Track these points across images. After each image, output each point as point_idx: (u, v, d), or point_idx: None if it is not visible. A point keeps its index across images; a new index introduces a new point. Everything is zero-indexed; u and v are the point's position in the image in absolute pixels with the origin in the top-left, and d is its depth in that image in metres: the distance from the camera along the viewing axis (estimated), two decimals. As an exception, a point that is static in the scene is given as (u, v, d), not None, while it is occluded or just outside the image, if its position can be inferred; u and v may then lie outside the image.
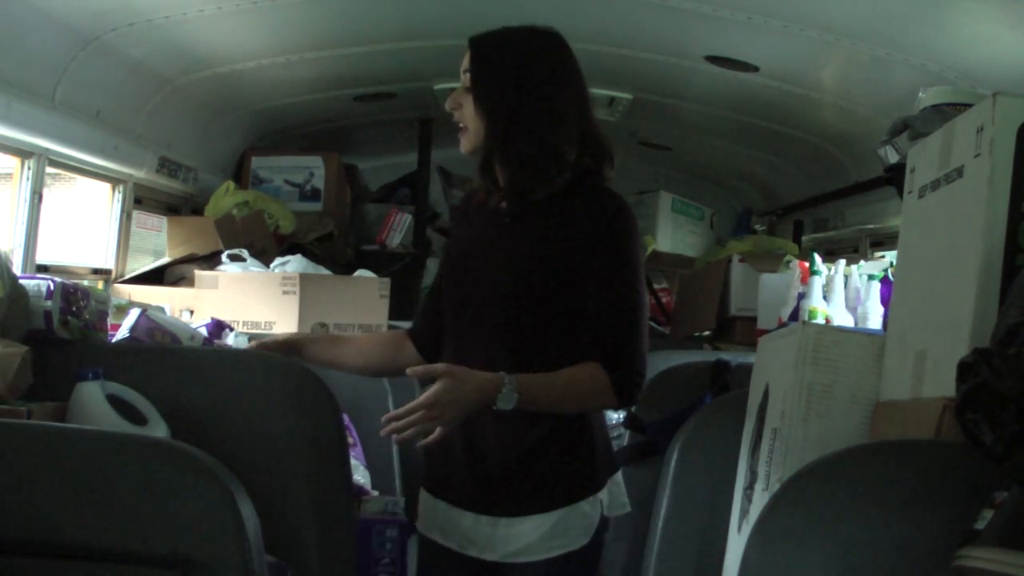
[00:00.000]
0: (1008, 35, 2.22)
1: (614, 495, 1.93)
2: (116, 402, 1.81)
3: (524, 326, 1.85)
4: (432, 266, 4.31)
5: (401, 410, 1.73)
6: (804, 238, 4.52)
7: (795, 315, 3.32)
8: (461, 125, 1.89)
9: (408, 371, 1.78)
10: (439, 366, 1.76)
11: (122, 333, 2.11)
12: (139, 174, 3.33)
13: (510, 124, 1.85)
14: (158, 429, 1.82)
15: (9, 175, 2.74)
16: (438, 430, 1.74)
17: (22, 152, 2.68)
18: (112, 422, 1.75)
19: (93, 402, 1.78)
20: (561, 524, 1.85)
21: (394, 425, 1.72)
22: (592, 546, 1.88)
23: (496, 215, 1.93)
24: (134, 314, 2.11)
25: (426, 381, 1.76)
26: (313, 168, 4.22)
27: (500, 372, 1.76)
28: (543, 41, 1.91)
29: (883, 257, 3.72)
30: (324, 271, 3.49)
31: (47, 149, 2.72)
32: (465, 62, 1.88)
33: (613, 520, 1.94)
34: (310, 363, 2.08)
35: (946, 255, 1.40)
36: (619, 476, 1.97)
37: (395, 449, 2.76)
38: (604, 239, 1.84)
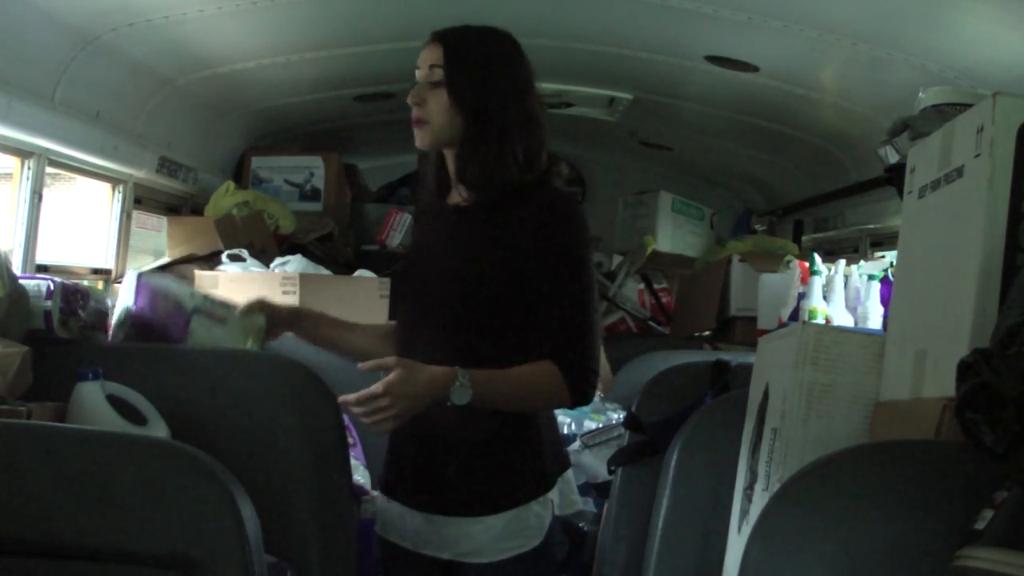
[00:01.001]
0: (1008, 35, 2.22)
1: (564, 494, 1.94)
2: (116, 402, 1.81)
3: (472, 326, 1.86)
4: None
5: (351, 396, 1.72)
6: (804, 238, 4.52)
7: (795, 315, 3.33)
8: (422, 120, 1.89)
9: (359, 366, 1.77)
10: (390, 359, 1.75)
11: (120, 306, 2.10)
12: (139, 174, 3.33)
13: (487, 120, 1.87)
14: (158, 429, 1.82)
15: (9, 175, 2.74)
16: (390, 422, 1.73)
17: (22, 152, 2.68)
18: (112, 422, 1.75)
19: (93, 402, 1.78)
20: (512, 525, 1.86)
21: (354, 412, 1.73)
22: (544, 546, 1.89)
23: (446, 213, 1.96)
24: (130, 278, 2.09)
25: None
26: (313, 168, 4.22)
27: (454, 366, 1.76)
28: (510, 43, 1.93)
29: (883, 257, 3.72)
30: (324, 271, 3.49)
31: (47, 149, 2.72)
32: (432, 56, 1.88)
33: (611, 520, 1.94)
34: (305, 339, 2.11)
35: (946, 255, 1.40)
36: (570, 474, 1.98)
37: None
38: (553, 239, 1.85)
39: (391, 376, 1.72)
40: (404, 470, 1.94)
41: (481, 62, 1.88)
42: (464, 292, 1.87)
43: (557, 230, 1.86)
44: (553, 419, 2.01)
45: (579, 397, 1.85)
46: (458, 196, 1.93)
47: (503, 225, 1.87)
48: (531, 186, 1.88)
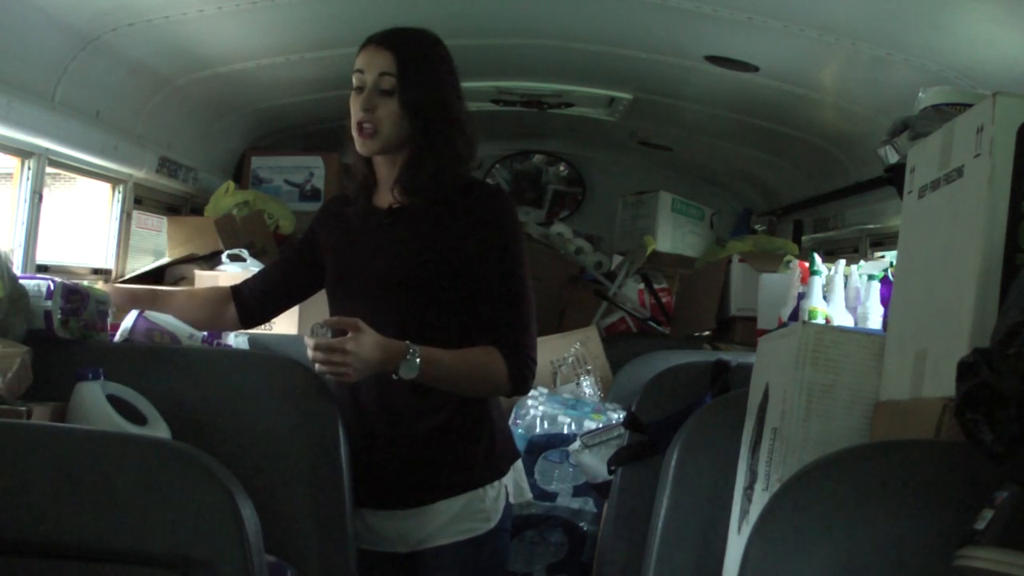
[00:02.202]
0: (1008, 35, 2.22)
1: (516, 482, 2.02)
2: (116, 402, 1.81)
3: (415, 323, 1.91)
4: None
5: (311, 340, 1.76)
6: (804, 238, 4.51)
7: (795, 315, 3.32)
8: (368, 127, 1.90)
9: (323, 320, 1.80)
10: (353, 320, 1.79)
11: (120, 336, 2.11)
12: (139, 174, 3.33)
13: (436, 126, 1.91)
14: (158, 429, 1.82)
15: (9, 175, 2.74)
16: (342, 377, 1.78)
17: (22, 152, 2.68)
18: (112, 422, 1.75)
19: (93, 402, 1.78)
20: (466, 509, 1.93)
21: (315, 356, 1.77)
22: (498, 531, 1.96)
23: (375, 214, 1.99)
24: (132, 315, 2.11)
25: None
26: (313, 168, 4.22)
27: (404, 341, 1.82)
28: (443, 45, 1.97)
29: (883, 257, 3.72)
30: (324, 271, 3.48)
31: (47, 149, 2.72)
32: (381, 63, 1.90)
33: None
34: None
35: (946, 255, 1.40)
36: (520, 464, 2.06)
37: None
38: (493, 233, 1.92)
39: (350, 335, 1.76)
40: (359, 470, 1.96)
41: (429, 68, 1.92)
42: (407, 290, 1.92)
43: (496, 225, 1.92)
44: (503, 412, 2.09)
45: (519, 384, 1.92)
46: (389, 197, 1.97)
47: (443, 223, 1.92)
48: (464, 183, 1.95)
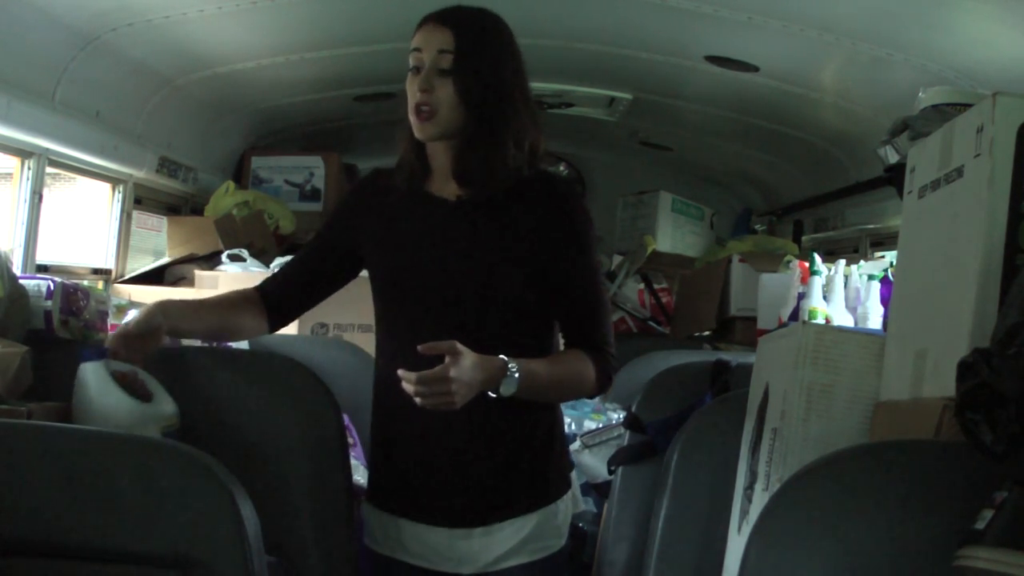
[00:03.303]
0: (1008, 35, 2.22)
1: (574, 492, 1.92)
2: (121, 379, 1.77)
3: (492, 324, 1.78)
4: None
5: (412, 375, 1.61)
6: (804, 238, 4.52)
7: (795, 315, 3.32)
8: (426, 109, 1.74)
9: (420, 347, 1.64)
10: (447, 344, 1.63)
11: None
12: (139, 174, 3.33)
13: (493, 112, 1.77)
14: (165, 403, 1.79)
15: (9, 175, 2.74)
16: (445, 407, 1.63)
17: (22, 152, 2.68)
18: (118, 398, 1.72)
19: (98, 380, 1.74)
20: (541, 526, 1.81)
21: (417, 389, 1.61)
22: (566, 547, 1.86)
23: (436, 206, 1.83)
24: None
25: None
26: (313, 168, 4.22)
27: (500, 356, 1.69)
28: (508, 28, 1.82)
29: (883, 257, 3.72)
30: (324, 271, 3.48)
31: (47, 149, 2.72)
32: (440, 40, 1.75)
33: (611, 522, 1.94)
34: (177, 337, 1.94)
35: (946, 255, 1.40)
36: (575, 472, 1.96)
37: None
38: (568, 229, 1.80)
39: (453, 361, 1.61)
40: (415, 485, 1.82)
41: (489, 47, 1.78)
42: (484, 289, 1.77)
43: (575, 220, 1.81)
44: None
45: (604, 383, 1.82)
46: (448, 188, 1.82)
47: (517, 216, 1.79)
48: (532, 176, 1.81)
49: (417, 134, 1.79)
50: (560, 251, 1.79)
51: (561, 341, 1.88)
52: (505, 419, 1.78)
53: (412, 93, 1.76)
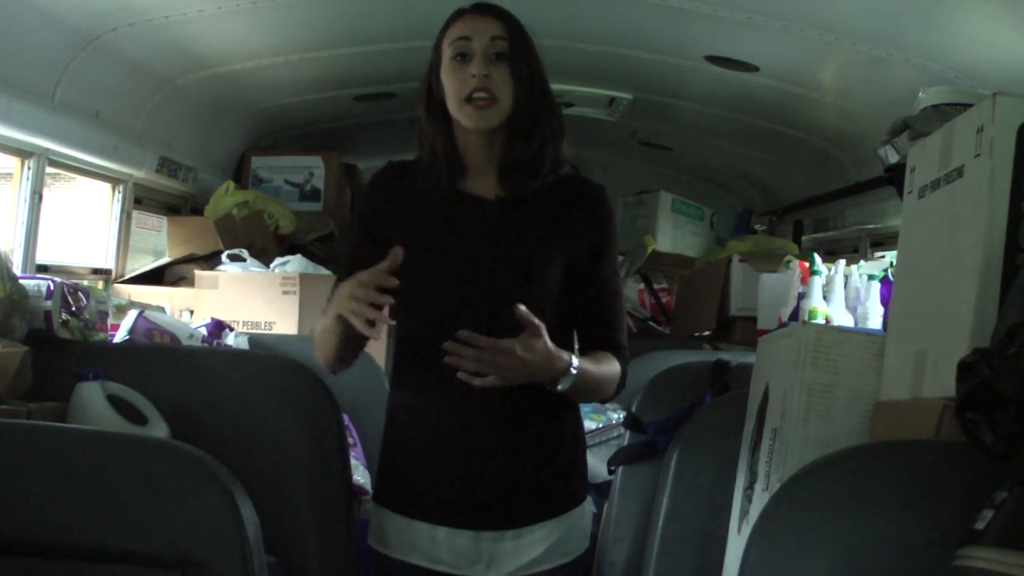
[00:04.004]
0: (1008, 35, 2.22)
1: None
2: (116, 402, 1.81)
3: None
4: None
5: (471, 335, 1.58)
6: (804, 238, 4.52)
7: (795, 315, 3.32)
8: (486, 96, 1.69)
9: (516, 309, 1.60)
10: (537, 322, 1.60)
11: (121, 335, 2.11)
12: (139, 174, 3.33)
13: (537, 103, 1.74)
14: (158, 429, 1.82)
15: (9, 175, 2.74)
16: (492, 379, 1.60)
17: (22, 152, 2.68)
18: (112, 422, 1.75)
19: (93, 402, 1.78)
20: (570, 529, 1.78)
21: (464, 351, 1.58)
22: (589, 550, 1.85)
23: (475, 204, 1.76)
24: (132, 315, 2.11)
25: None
26: (313, 168, 4.22)
27: (568, 352, 1.67)
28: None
29: (883, 257, 3.72)
30: (324, 271, 3.49)
31: (47, 149, 2.72)
32: (492, 28, 1.72)
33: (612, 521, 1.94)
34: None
35: (946, 255, 1.40)
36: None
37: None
38: (602, 233, 1.79)
39: (525, 337, 1.59)
40: (440, 487, 1.74)
41: (530, 41, 1.77)
42: (527, 288, 1.72)
43: (604, 222, 1.80)
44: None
45: (622, 387, 1.81)
46: (484, 186, 1.77)
47: (552, 217, 1.76)
48: (566, 176, 1.80)
49: (476, 124, 1.71)
50: (592, 252, 1.79)
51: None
52: (538, 418, 1.75)
53: (463, 82, 1.70)
